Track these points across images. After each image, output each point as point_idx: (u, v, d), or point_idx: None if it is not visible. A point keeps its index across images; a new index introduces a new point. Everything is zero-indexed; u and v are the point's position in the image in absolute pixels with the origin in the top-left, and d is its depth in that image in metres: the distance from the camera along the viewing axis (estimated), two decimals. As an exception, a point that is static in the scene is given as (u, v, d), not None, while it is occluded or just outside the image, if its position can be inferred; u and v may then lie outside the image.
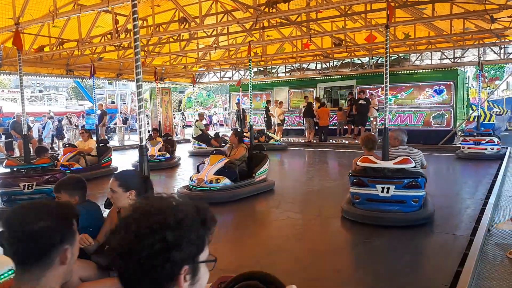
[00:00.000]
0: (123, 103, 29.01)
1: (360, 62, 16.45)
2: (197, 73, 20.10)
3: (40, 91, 36.72)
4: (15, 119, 14.41)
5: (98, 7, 8.07)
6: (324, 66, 17.22)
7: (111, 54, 13.63)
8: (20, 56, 6.69)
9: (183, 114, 21.73)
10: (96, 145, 9.68)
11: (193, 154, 12.94)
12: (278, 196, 6.69)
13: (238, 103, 16.45)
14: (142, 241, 0.93)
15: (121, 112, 26.77)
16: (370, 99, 14.29)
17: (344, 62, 16.50)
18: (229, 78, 19.51)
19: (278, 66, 18.22)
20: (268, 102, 16.87)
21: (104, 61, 14.15)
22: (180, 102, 32.44)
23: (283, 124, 15.98)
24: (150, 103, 19.04)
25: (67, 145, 10.54)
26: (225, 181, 6.26)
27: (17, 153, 13.46)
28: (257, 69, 18.52)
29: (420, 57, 15.57)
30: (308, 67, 17.83)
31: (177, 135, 20.43)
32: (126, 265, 0.95)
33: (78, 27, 10.40)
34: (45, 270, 1.27)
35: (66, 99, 37.07)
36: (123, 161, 10.94)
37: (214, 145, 12.70)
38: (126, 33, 10.93)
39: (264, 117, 16.56)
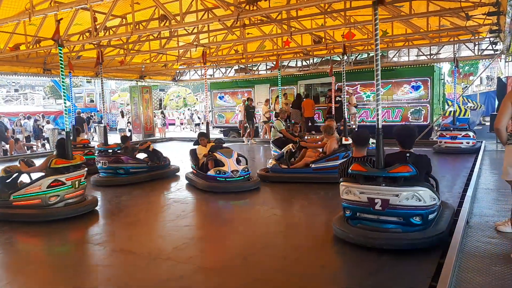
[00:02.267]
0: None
1: (339, 59, 16.66)
2: (178, 71, 19.96)
3: (16, 90, 35.73)
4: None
5: (76, 5, 7.93)
6: (304, 63, 17.37)
7: (90, 52, 13.40)
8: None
9: (162, 113, 21.51)
10: None
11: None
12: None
13: (251, 100, 16.07)
14: None
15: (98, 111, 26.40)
16: (348, 96, 14.55)
17: (323, 59, 16.69)
18: (210, 75, 19.44)
19: (259, 64, 18.27)
20: (249, 99, 16.80)
21: (83, 59, 13.90)
22: (161, 100, 32.15)
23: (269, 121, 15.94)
24: (130, 101, 18.82)
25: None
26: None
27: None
28: (238, 66, 18.53)
29: (397, 54, 15.88)
30: (289, 65, 17.95)
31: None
32: None
33: (55, 24, 10.18)
34: None
35: (44, 98, 36.19)
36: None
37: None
38: (105, 31, 10.79)
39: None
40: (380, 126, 4.07)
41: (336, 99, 14.26)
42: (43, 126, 17.70)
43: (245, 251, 4.14)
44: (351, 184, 4.05)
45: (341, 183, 4.19)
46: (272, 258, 3.95)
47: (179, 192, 7.08)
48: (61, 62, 5.81)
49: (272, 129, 9.82)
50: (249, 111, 15.70)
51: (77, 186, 5.60)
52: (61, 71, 5.83)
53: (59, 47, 5.80)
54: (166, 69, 18.66)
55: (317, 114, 15.86)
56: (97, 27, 10.19)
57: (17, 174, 5.87)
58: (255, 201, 6.37)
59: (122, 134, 9.96)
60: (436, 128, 14.27)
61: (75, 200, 5.59)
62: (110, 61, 15.47)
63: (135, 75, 18.66)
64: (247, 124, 15.62)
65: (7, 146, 13.99)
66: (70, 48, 12.56)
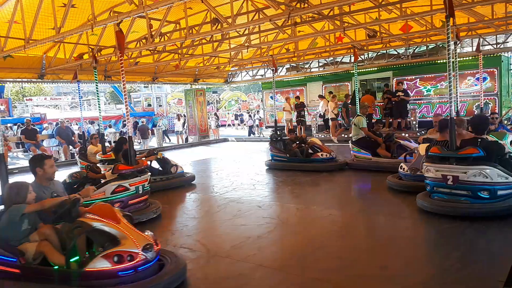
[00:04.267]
0: (159, 106, 29.67)
1: (396, 53, 16.02)
2: (230, 73, 20.24)
3: (80, 97, 38.20)
4: (59, 125, 15.07)
5: (134, 14, 8.27)
6: (359, 58, 16.90)
7: (147, 58, 13.95)
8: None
9: (215, 115, 21.87)
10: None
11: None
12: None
13: (297, 97, 15.96)
14: None
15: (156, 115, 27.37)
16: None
17: (379, 54, 16.11)
18: (262, 76, 19.50)
19: (311, 61, 18.04)
20: (297, 98, 16.52)
21: (140, 65, 14.50)
22: (217, 102, 32.80)
23: (337, 118, 15.59)
24: (185, 104, 19.35)
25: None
26: None
27: (62, 157, 14.03)
28: (289, 65, 18.42)
29: (460, 45, 14.94)
30: (342, 61, 17.54)
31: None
32: None
33: (114, 34, 10.69)
34: None
35: (105, 104, 38.35)
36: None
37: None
38: (160, 37, 11.16)
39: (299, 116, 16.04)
40: (453, 115, 4.87)
41: (396, 94, 13.74)
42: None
43: (303, 250, 4.08)
44: (430, 164, 4.91)
45: (424, 163, 5.06)
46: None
47: (234, 191, 7.13)
48: (121, 71, 6.05)
49: (353, 127, 8.70)
50: (299, 110, 15.48)
51: (140, 191, 5.59)
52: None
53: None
54: (218, 71, 18.99)
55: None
56: (153, 33, 10.57)
57: (82, 180, 5.88)
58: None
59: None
60: (506, 122, 13.26)
61: (139, 206, 5.57)
62: (165, 66, 16.01)
63: (189, 79, 19.17)
64: (295, 123, 15.50)
65: (74, 150, 14.91)
66: (128, 54, 13.13)
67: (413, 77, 14.57)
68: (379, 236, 4.58)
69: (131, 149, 5.71)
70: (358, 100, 9.61)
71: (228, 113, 33.12)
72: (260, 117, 23.14)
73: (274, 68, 11.33)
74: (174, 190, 7.57)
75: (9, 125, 21.22)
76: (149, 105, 29.95)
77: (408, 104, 13.91)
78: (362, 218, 5.33)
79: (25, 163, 13.66)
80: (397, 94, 13.72)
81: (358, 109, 8.99)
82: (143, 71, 16.31)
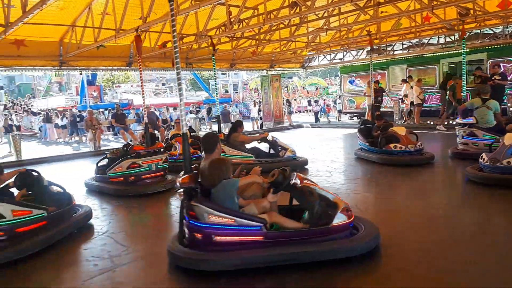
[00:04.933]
0: (236, 92, 30.24)
1: (492, 32, 14.49)
2: (306, 57, 19.89)
3: (163, 84, 40.34)
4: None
5: (214, 1, 8.42)
6: (447, 39, 15.59)
7: (225, 45, 14.19)
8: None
9: (288, 101, 21.62)
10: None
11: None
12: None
13: (377, 82, 15.02)
14: None
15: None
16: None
17: (472, 33, 14.70)
18: (340, 59, 18.89)
19: (394, 44, 17.05)
20: (376, 82, 15.63)
21: (219, 52, 14.80)
22: (287, 88, 32.50)
23: (422, 104, 14.66)
24: (261, 90, 19.46)
25: (174, 135, 9.92)
26: None
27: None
28: (370, 47, 17.55)
29: None
30: (429, 42, 16.32)
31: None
32: None
33: (195, 21, 11.00)
34: None
35: (186, 91, 40.17)
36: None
37: None
38: (239, 23, 11.25)
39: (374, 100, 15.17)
40: None
41: (492, 78, 12.46)
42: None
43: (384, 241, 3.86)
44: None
45: None
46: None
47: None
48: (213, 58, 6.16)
49: (485, 111, 7.47)
50: (376, 95, 14.71)
51: (154, 168, 6.69)
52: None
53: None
54: (295, 56, 18.76)
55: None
56: (232, 20, 10.69)
57: (121, 156, 6.87)
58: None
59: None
60: None
61: (152, 180, 6.66)
62: (243, 52, 16.18)
63: (265, 65, 19.21)
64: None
65: (158, 134, 15.81)
66: (208, 42, 13.44)
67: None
68: (464, 229, 4.20)
69: (147, 134, 7.08)
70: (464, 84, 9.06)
71: (302, 99, 32.73)
72: (330, 103, 22.56)
73: (371, 48, 10.88)
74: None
75: (101, 110, 23.10)
76: (226, 91, 30.68)
77: (504, 89, 12.57)
78: (449, 210, 4.92)
79: (115, 145, 14.83)
80: (493, 78, 12.43)
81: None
82: (221, 58, 16.65)
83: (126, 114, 17.21)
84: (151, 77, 44.66)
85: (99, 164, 7.17)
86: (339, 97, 20.69)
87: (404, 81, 15.35)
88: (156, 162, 6.76)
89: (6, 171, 4.85)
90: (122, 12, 9.72)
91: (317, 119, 20.09)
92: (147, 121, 7.43)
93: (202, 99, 30.21)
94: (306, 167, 7.86)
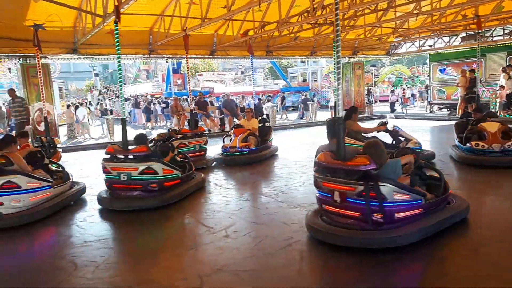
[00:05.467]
0: (314, 80, 29.70)
1: None
2: (392, 44, 18.80)
3: (242, 72, 40.98)
4: (225, 99, 16.41)
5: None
6: None
7: (306, 32, 13.88)
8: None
9: (368, 90, 20.61)
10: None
11: None
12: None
13: (472, 70, 13.74)
14: None
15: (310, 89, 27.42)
16: None
17: None
18: (430, 46, 17.56)
19: (493, 29, 15.41)
20: (471, 71, 14.26)
21: (300, 40, 14.54)
22: (375, 76, 31.15)
23: None
24: (342, 78, 18.84)
25: (234, 126, 9.64)
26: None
27: (227, 127, 15.28)
28: (466, 33, 16.08)
29: None
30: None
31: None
32: None
33: (278, 8, 10.86)
34: None
35: (264, 79, 40.40)
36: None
37: None
38: (322, 9, 10.89)
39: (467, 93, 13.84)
40: None
41: None
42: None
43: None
44: None
45: None
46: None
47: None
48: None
49: None
50: (470, 85, 13.39)
51: (197, 148, 8.01)
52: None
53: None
54: (380, 43, 17.82)
55: None
56: (315, 6, 10.37)
57: (167, 139, 7.73)
58: None
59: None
60: None
61: (195, 159, 7.44)
62: (324, 39, 15.73)
63: (347, 51, 18.52)
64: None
65: (237, 121, 16.08)
66: (290, 29, 13.26)
67: None
68: None
69: (193, 120, 8.40)
70: None
71: (384, 88, 31.17)
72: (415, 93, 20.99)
73: (478, 31, 9.98)
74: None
75: (184, 97, 24.11)
76: (305, 80, 30.27)
77: None
78: None
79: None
80: None
81: None
82: (302, 45, 16.36)
83: (208, 102, 17.74)
84: (231, 66, 45.64)
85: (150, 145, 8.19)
86: (426, 87, 19.33)
87: (503, 69, 13.85)
88: (199, 143, 8.14)
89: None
90: (207, 1, 9.90)
91: (392, 110, 19.04)
92: (193, 108, 9.15)
93: (280, 87, 30.12)
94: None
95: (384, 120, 7.98)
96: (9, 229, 4.64)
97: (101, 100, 25.33)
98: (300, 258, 3.59)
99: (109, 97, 30.15)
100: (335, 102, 9.78)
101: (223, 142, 8.68)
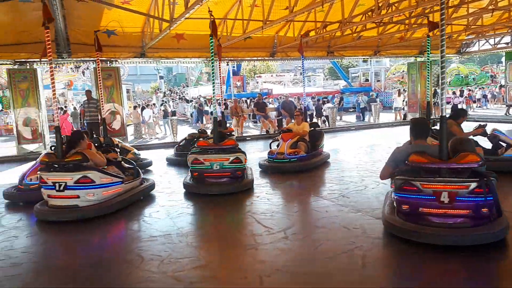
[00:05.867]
0: (377, 81, 28.80)
1: None
2: (464, 42, 17.67)
3: (301, 73, 40.79)
4: (284, 100, 16.41)
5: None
6: None
7: (370, 31, 13.47)
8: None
9: (435, 90, 19.45)
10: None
11: None
12: None
13: None
14: None
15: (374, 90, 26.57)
16: None
17: None
18: (507, 44, 16.27)
19: None
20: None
21: (362, 39, 14.15)
22: (438, 76, 29.47)
23: None
24: (408, 79, 18.06)
25: (282, 130, 8.87)
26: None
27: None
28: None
29: None
30: None
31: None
32: None
33: (341, 8, 10.64)
34: None
35: (323, 80, 39.87)
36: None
37: None
38: (388, 7, 10.50)
39: None
40: None
41: None
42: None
43: None
44: None
45: None
46: None
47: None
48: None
49: None
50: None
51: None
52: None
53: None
54: (450, 41, 16.81)
55: None
56: (380, 5, 10.03)
57: (196, 138, 8.61)
58: None
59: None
60: None
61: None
62: (389, 38, 15.19)
63: (414, 51, 17.71)
64: None
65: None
66: (352, 29, 12.94)
67: None
68: None
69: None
70: None
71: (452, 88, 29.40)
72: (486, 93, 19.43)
73: None
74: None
75: (243, 99, 24.48)
76: (367, 80, 29.42)
77: None
78: None
79: (254, 131, 15.57)
80: None
81: None
82: (365, 45, 15.90)
83: (267, 103, 17.86)
84: (289, 67, 45.60)
85: (180, 144, 9.55)
86: (500, 87, 17.93)
87: None
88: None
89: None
90: (270, 3, 9.96)
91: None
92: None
93: (340, 88, 29.53)
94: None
95: (482, 123, 7.18)
96: (85, 220, 4.97)
97: (165, 102, 26.45)
98: (362, 263, 3.47)
99: (172, 98, 31.40)
100: (428, 102, 9.31)
101: (270, 147, 8.22)
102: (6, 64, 12.15)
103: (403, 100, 18.72)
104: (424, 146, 4.07)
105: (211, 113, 20.62)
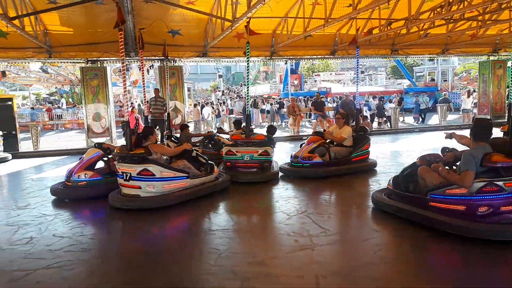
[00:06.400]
0: (444, 81, 27.29)
1: None
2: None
3: (362, 72, 39.68)
4: (343, 99, 16.07)
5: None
6: None
7: (438, 29, 12.76)
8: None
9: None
10: (353, 134, 7.75)
11: None
12: None
13: None
14: None
15: (440, 90, 25.21)
16: None
17: None
18: None
19: None
20: None
21: (430, 37, 13.46)
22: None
23: None
24: (479, 79, 16.92)
25: (314, 133, 8.25)
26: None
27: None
28: None
29: None
30: None
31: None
32: None
33: (408, 4, 10.19)
34: None
35: (386, 78, 38.52)
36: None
37: None
38: (459, 3, 9.89)
39: None
40: None
41: None
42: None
43: None
44: None
45: None
46: None
47: None
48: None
49: None
50: None
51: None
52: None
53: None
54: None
55: None
56: (450, 1, 9.48)
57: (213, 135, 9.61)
58: None
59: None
60: None
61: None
62: (459, 36, 14.33)
63: (486, 49, 16.54)
64: None
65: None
66: (419, 26, 12.35)
67: None
68: None
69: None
70: None
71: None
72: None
73: None
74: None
75: (300, 97, 24.31)
76: (433, 79, 27.96)
77: None
78: None
79: (311, 130, 15.40)
80: None
81: None
82: (432, 43, 15.10)
83: (325, 102, 17.59)
84: (350, 65, 44.57)
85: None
86: None
87: None
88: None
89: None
90: (332, 0, 9.79)
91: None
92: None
93: (403, 87, 28.31)
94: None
95: None
96: (146, 211, 5.22)
97: (219, 100, 27.03)
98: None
99: (230, 97, 31.99)
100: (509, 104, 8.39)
101: (300, 148, 7.67)
102: (80, 62, 13.05)
103: (473, 102, 17.57)
104: (486, 147, 4.03)
105: (268, 111, 21.01)
